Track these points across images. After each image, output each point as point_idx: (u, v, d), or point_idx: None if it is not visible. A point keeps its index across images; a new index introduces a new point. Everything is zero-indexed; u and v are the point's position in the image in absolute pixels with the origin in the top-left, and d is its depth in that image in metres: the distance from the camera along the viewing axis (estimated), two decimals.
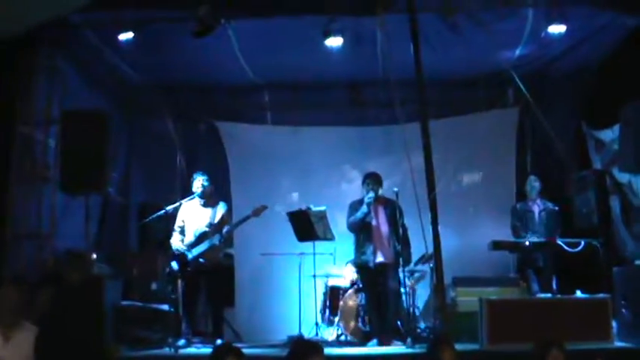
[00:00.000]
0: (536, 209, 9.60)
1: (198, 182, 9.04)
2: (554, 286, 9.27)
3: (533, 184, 9.71)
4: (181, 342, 8.50)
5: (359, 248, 8.99)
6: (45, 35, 8.26)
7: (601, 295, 8.01)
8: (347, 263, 9.68)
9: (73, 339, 4.45)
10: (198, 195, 9.03)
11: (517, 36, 9.12)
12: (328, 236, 9.46)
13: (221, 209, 9.09)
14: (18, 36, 7.78)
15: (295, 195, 11.12)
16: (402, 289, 8.94)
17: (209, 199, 9.11)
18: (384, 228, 8.92)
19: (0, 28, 7.35)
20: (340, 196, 10.16)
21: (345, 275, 9.74)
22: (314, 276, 9.60)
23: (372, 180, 8.97)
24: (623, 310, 7.87)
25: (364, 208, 8.86)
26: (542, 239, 9.22)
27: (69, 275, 4.86)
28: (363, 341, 8.86)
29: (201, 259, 8.85)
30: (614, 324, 7.87)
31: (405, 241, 8.88)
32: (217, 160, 11.11)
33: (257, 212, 9.00)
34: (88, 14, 8.10)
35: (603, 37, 9.01)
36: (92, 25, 8.53)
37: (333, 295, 9.65)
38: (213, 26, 8.16)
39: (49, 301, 4.71)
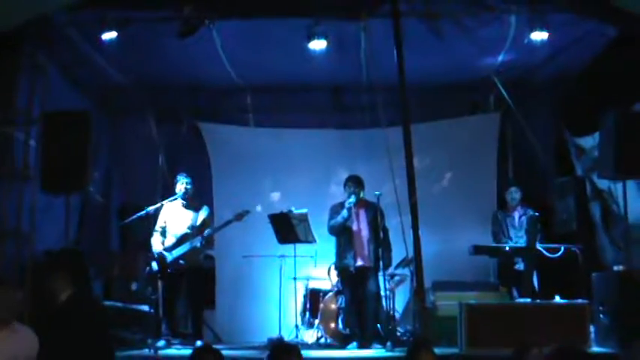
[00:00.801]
0: (516, 215, 9.63)
1: (182, 184, 9.02)
2: (536, 291, 9.30)
3: (514, 195, 9.68)
4: (161, 343, 8.50)
5: (340, 252, 9.01)
6: (28, 34, 8.20)
7: (579, 301, 8.06)
8: (331, 266, 9.66)
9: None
10: (180, 196, 9.01)
11: (500, 42, 9.16)
12: (309, 239, 9.46)
13: (203, 213, 9.08)
14: (0, 34, 7.73)
15: (277, 197, 11.11)
16: (382, 293, 8.97)
17: (191, 201, 9.10)
18: (365, 232, 8.95)
19: None
20: (322, 198, 10.15)
21: (331, 278, 9.72)
22: (294, 278, 9.61)
23: (353, 183, 9.00)
24: (601, 316, 7.92)
25: (344, 213, 8.88)
26: (522, 244, 9.26)
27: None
28: (342, 344, 8.87)
29: (181, 261, 8.84)
30: (592, 329, 7.94)
31: (385, 244, 8.92)
32: (199, 161, 11.07)
33: (239, 217, 9.01)
34: (72, 13, 8.07)
35: (585, 45, 9.06)
36: (76, 24, 8.49)
37: (314, 297, 9.66)
38: (197, 27, 8.16)
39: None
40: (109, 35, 8.37)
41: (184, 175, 9.11)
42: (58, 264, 4.70)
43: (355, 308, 8.87)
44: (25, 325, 5.22)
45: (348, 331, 9.04)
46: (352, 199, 8.89)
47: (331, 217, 9.05)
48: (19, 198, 8.25)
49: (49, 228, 8.55)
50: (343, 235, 8.97)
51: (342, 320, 9.19)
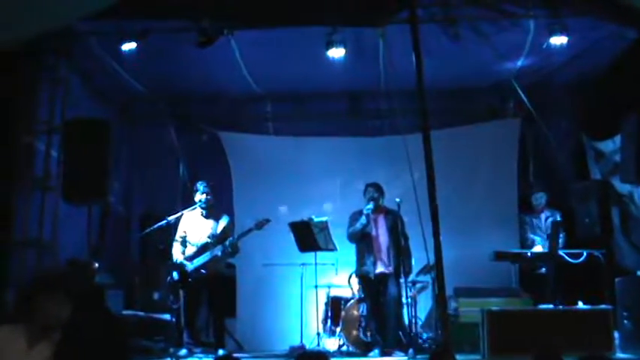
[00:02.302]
0: (542, 217, 9.61)
1: (201, 193, 9.00)
2: (558, 297, 9.25)
3: (540, 200, 9.70)
4: (183, 352, 8.49)
5: (359, 259, 9.00)
6: (49, 44, 8.28)
7: (603, 306, 8.00)
8: (351, 275, 9.63)
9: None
10: (200, 205, 9.00)
11: (519, 47, 9.14)
12: (330, 247, 9.46)
13: (223, 221, 9.03)
14: (22, 45, 7.80)
15: (297, 205, 11.08)
16: (404, 300, 8.94)
17: (211, 210, 9.06)
18: (384, 238, 8.91)
19: (4, 37, 7.37)
20: (342, 206, 10.15)
21: (352, 286, 9.69)
22: (316, 286, 9.59)
23: (373, 190, 8.98)
24: (625, 322, 7.86)
25: (363, 219, 8.86)
26: (546, 249, 9.20)
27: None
28: (364, 351, 8.85)
29: (202, 270, 8.82)
30: (616, 335, 7.86)
31: (406, 251, 8.88)
32: (219, 169, 11.09)
33: (260, 225, 8.95)
34: (93, 24, 8.13)
35: (604, 49, 9.02)
36: (96, 35, 8.57)
37: (335, 305, 9.64)
38: (216, 37, 8.19)
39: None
40: (129, 46, 8.44)
41: (203, 183, 9.08)
42: (49, 289, 4.68)
43: (377, 316, 8.83)
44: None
45: (369, 338, 9.01)
46: (370, 205, 8.86)
47: (350, 225, 9.04)
48: (40, 207, 8.32)
49: (70, 237, 8.60)
50: (363, 241, 8.94)
51: (364, 328, 9.15)
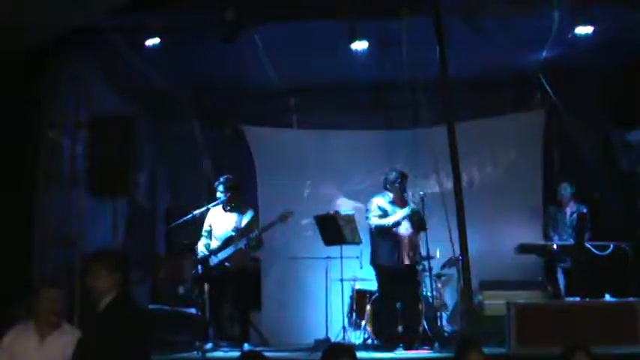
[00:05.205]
0: (568, 211, 9.53)
1: (220, 191, 9.01)
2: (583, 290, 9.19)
3: (563, 191, 9.64)
4: (208, 346, 8.53)
5: (376, 247, 8.91)
6: (73, 40, 8.32)
7: (630, 299, 7.94)
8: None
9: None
10: (222, 200, 9.01)
11: (543, 38, 9.05)
12: (356, 240, 9.41)
13: (248, 216, 9.03)
14: (47, 41, 7.85)
15: (322, 198, 11.08)
16: (429, 293, 8.89)
17: (234, 205, 9.07)
18: (408, 230, 8.83)
19: (29, 34, 7.42)
20: (366, 199, 10.11)
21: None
22: (341, 280, 9.57)
23: (405, 180, 8.86)
24: None
25: (399, 218, 8.75)
26: (571, 241, 9.13)
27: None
28: (390, 345, 8.80)
29: (227, 263, 8.85)
30: None
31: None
32: (244, 163, 11.11)
33: (283, 218, 8.97)
34: (116, 19, 8.16)
35: (631, 38, 8.92)
36: (120, 31, 8.60)
37: (360, 298, 9.62)
38: (240, 32, 8.20)
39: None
40: (152, 41, 8.46)
41: (225, 178, 9.09)
42: (106, 265, 4.76)
43: (402, 309, 8.75)
44: (73, 326, 5.36)
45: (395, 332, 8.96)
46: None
47: (372, 211, 8.90)
48: (66, 203, 8.37)
49: (96, 232, 8.65)
50: (386, 232, 8.86)
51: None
